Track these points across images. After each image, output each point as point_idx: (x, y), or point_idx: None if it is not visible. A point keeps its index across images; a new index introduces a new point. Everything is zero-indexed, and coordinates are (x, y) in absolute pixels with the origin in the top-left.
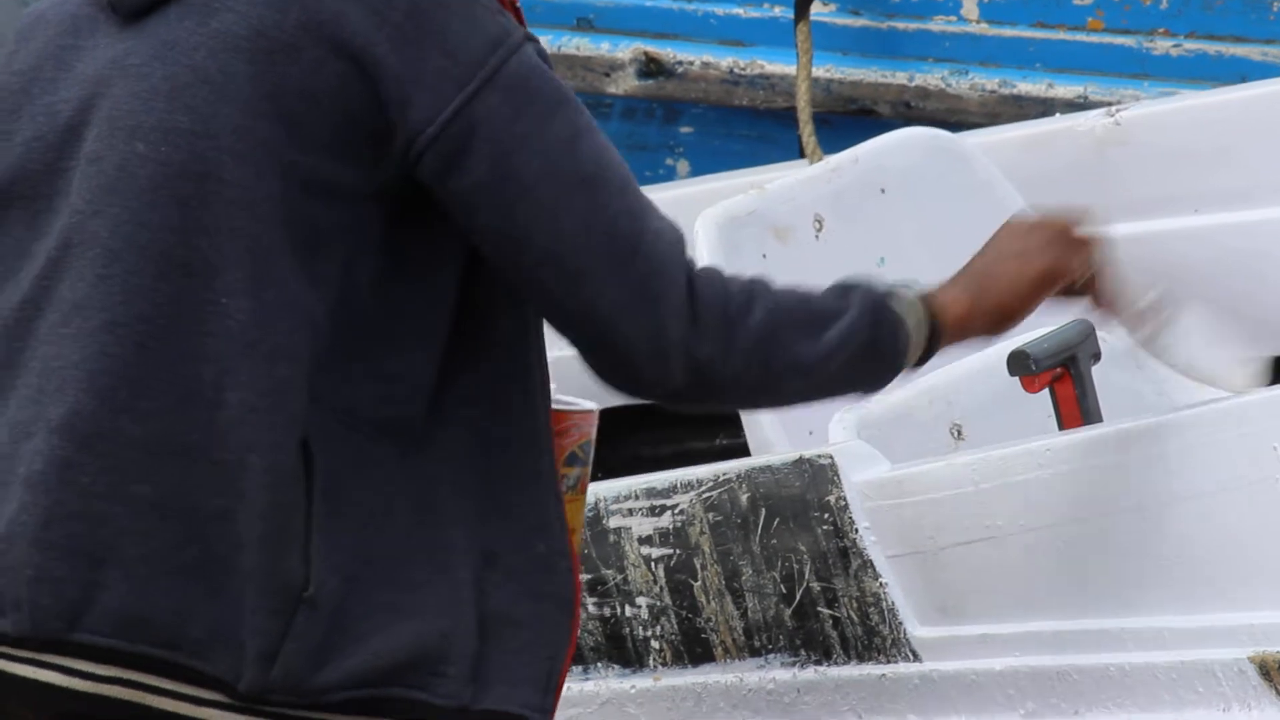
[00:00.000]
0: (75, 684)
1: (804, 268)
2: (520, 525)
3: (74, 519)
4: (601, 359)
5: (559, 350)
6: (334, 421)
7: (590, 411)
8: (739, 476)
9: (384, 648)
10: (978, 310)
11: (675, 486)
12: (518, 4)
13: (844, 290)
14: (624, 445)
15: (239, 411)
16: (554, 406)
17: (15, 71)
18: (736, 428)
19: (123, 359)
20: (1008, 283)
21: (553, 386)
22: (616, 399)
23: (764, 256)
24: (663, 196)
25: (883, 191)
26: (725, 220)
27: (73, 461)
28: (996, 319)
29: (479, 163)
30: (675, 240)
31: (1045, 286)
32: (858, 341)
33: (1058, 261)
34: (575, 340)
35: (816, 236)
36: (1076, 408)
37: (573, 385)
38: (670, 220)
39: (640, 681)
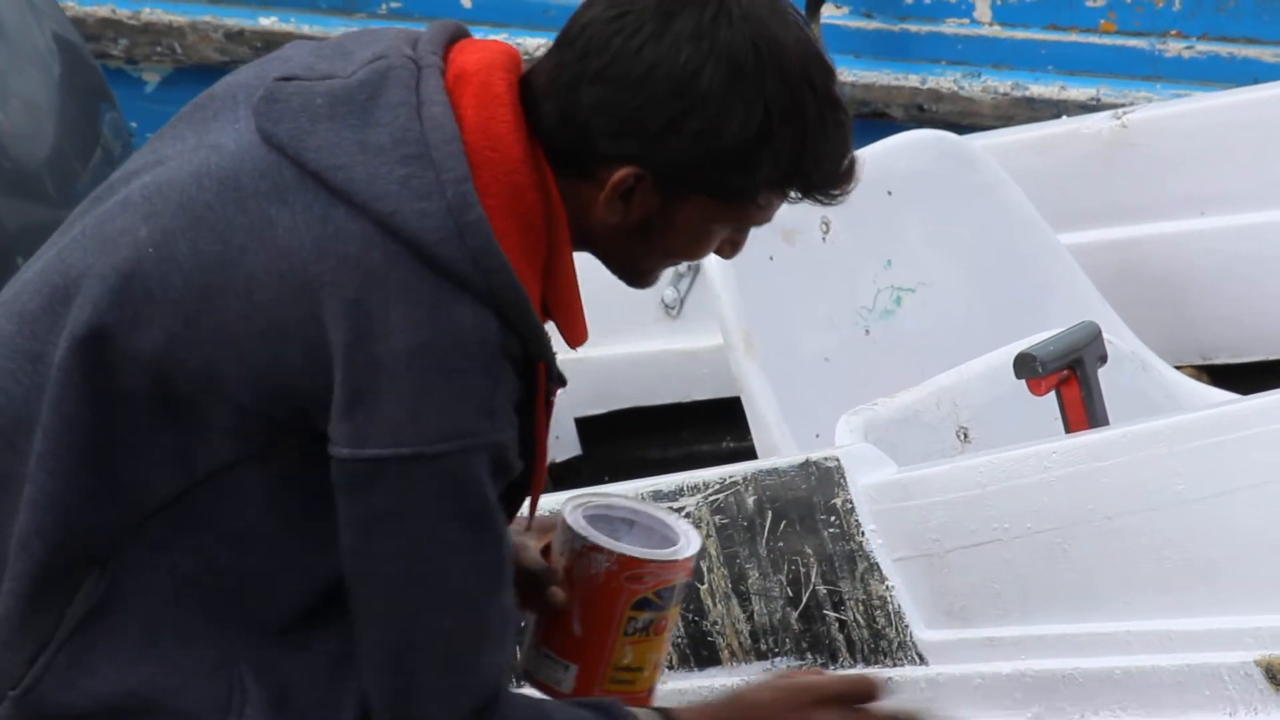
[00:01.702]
0: None
1: (811, 270)
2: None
3: None
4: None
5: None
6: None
7: (672, 562)
8: (745, 479)
9: None
10: None
11: (682, 489)
12: (549, 369)
13: None
14: (630, 448)
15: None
16: (627, 552)
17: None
18: (743, 430)
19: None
20: None
21: (663, 515)
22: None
23: (771, 259)
24: None
25: (890, 194)
26: None
27: None
28: None
29: (365, 507)
30: (476, 696)
31: None
32: None
33: None
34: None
35: (824, 239)
36: (1083, 410)
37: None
38: (495, 686)
39: None
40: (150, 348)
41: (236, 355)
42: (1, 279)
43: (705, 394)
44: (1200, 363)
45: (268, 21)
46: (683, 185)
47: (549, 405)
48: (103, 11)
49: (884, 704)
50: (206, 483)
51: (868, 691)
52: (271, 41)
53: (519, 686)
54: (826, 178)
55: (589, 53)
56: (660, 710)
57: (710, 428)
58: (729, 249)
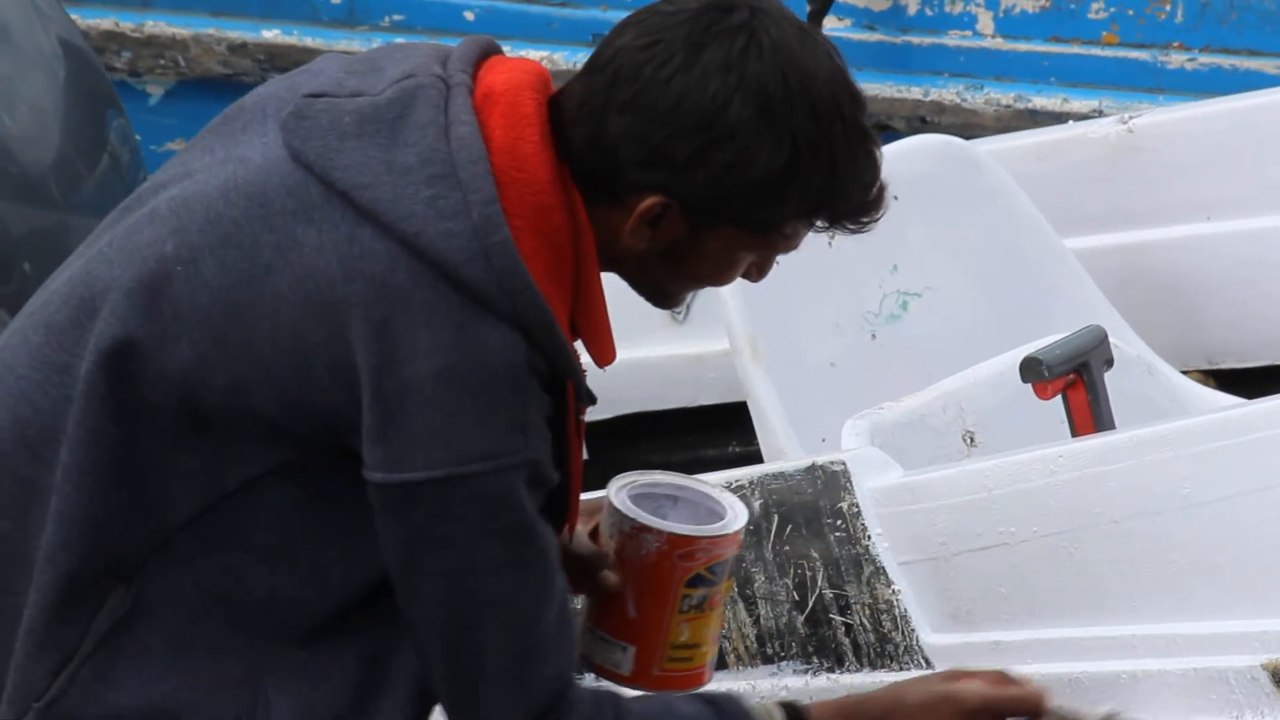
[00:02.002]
0: None
1: (817, 275)
2: None
3: None
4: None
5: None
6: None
7: (722, 536)
8: (752, 483)
9: None
10: None
11: None
12: (578, 384)
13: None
14: (636, 452)
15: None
16: (677, 530)
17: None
18: (749, 436)
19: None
20: None
21: (707, 489)
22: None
23: (776, 264)
24: None
25: (895, 198)
26: None
27: None
28: None
29: (406, 529)
30: (535, 704)
31: None
32: None
33: None
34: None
35: (829, 243)
36: (1089, 414)
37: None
38: (555, 693)
39: None
40: (177, 365)
41: (264, 373)
42: (7, 284)
43: (711, 399)
44: (1206, 367)
45: (270, 34)
46: (710, 215)
47: (580, 424)
48: (106, 24)
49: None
50: (235, 496)
51: (1023, 706)
52: (275, 54)
53: (580, 675)
54: (854, 208)
55: (619, 81)
56: (787, 705)
57: (716, 432)
58: (755, 273)
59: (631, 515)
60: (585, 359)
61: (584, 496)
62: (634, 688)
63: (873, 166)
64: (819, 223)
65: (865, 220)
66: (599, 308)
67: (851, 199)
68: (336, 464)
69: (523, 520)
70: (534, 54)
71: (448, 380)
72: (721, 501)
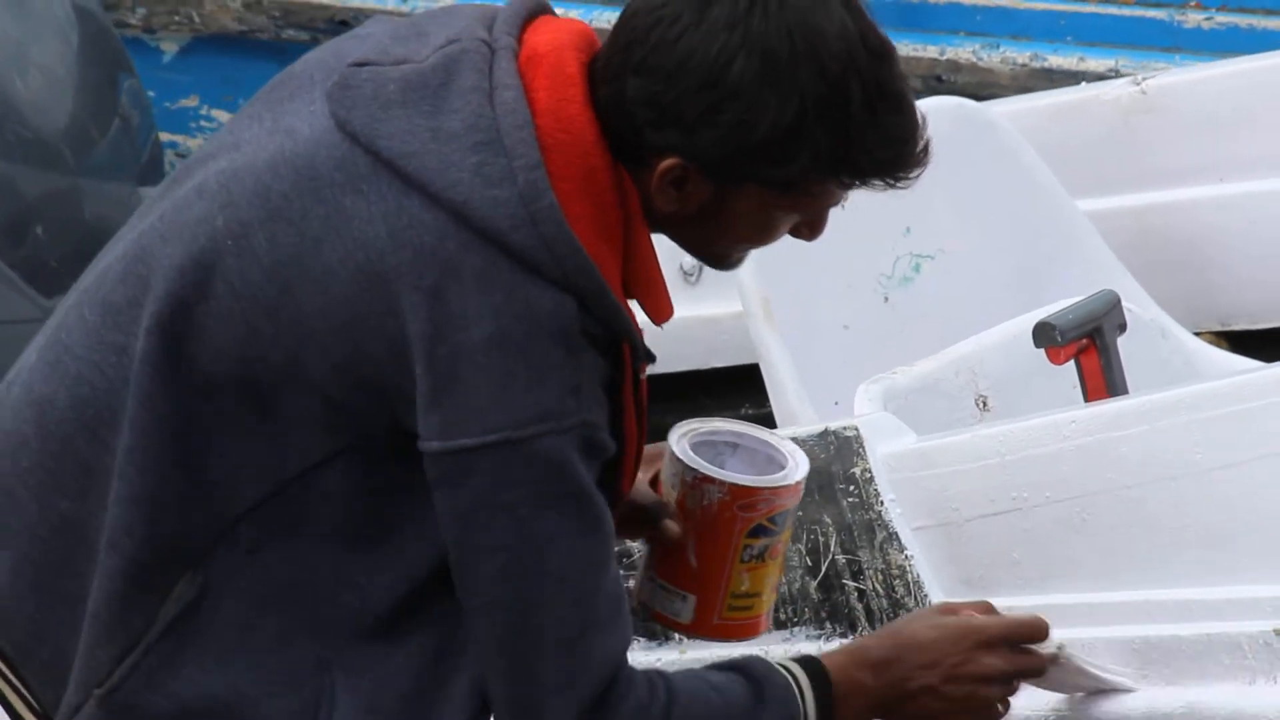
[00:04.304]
0: None
1: (830, 237)
2: None
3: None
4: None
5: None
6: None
7: (784, 487)
8: None
9: None
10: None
11: None
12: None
13: (755, 695)
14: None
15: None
16: (739, 481)
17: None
18: (762, 398)
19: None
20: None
21: (766, 436)
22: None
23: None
24: None
25: None
26: None
27: (29, 440)
28: None
29: (463, 499)
30: (594, 681)
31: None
32: None
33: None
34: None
35: (842, 206)
36: (1102, 379)
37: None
38: (613, 668)
39: (666, 654)
40: (233, 343)
41: (318, 349)
42: (20, 248)
43: (724, 361)
44: (1219, 329)
45: None
46: (729, 176)
47: (638, 382)
48: None
49: (1049, 644)
50: (297, 481)
51: (1033, 633)
52: (289, 10)
53: (640, 620)
54: (880, 165)
55: (633, 42)
56: (804, 660)
57: (729, 395)
58: (806, 231)
59: (694, 465)
60: (641, 316)
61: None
62: (693, 636)
63: (900, 122)
64: (845, 180)
65: (899, 177)
66: (651, 265)
67: (875, 156)
68: (396, 447)
69: (579, 486)
70: (576, 13)
71: (500, 345)
72: (782, 450)
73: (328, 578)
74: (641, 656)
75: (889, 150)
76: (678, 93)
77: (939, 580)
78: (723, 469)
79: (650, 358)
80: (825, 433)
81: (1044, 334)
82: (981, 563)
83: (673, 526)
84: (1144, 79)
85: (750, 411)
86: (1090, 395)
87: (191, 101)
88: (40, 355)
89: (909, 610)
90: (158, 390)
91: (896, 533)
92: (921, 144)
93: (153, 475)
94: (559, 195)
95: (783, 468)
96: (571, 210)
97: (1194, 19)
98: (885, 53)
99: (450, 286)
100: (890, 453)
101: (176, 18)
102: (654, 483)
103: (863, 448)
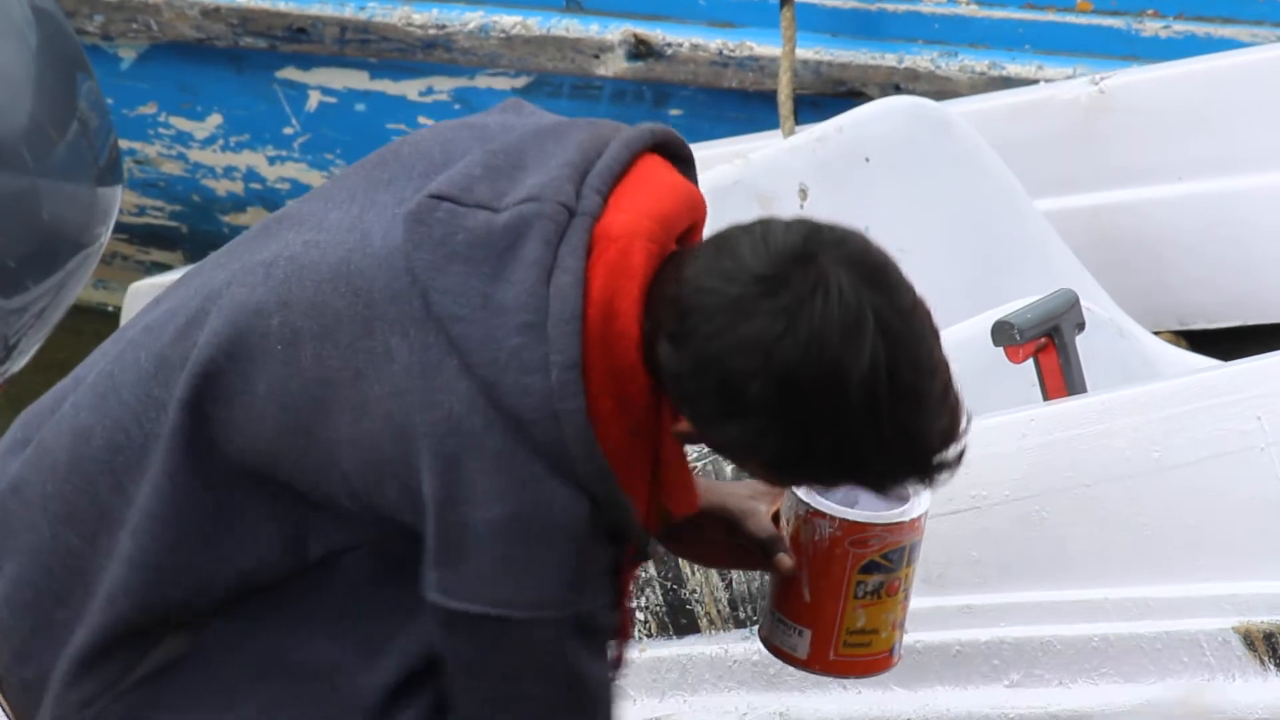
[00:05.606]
0: None
1: None
2: None
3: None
4: None
5: None
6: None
7: (898, 524)
8: None
9: None
10: None
11: None
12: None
13: None
14: None
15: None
16: (849, 516)
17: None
18: None
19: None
20: None
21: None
22: None
23: None
24: None
25: (867, 160)
26: (709, 190)
27: (59, 466)
28: None
29: (460, 647)
30: None
31: None
32: None
33: None
34: None
35: (801, 206)
36: (1061, 378)
37: None
38: None
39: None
40: (262, 441)
41: (341, 474)
42: None
43: None
44: (1178, 328)
45: None
46: (737, 461)
47: (630, 574)
48: None
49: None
50: (316, 566)
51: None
52: (248, 18)
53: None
54: (883, 481)
55: (675, 310)
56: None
57: None
58: None
59: (806, 499)
60: None
61: None
62: (811, 671)
63: (914, 455)
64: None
65: (924, 482)
66: (680, 467)
67: (885, 477)
68: (412, 544)
69: (568, 664)
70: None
71: (505, 530)
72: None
73: (326, 656)
74: None
75: (900, 476)
76: (697, 387)
77: None
78: (854, 505)
79: (646, 557)
80: None
81: (1003, 333)
82: (940, 561)
83: (787, 560)
84: (1102, 78)
85: None
86: (1049, 394)
87: (150, 109)
88: (95, 381)
89: None
90: (186, 464)
91: None
92: (950, 458)
93: (166, 546)
94: (590, 391)
95: (904, 503)
96: (600, 407)
97: (1152, 27)
98: (915, 393)
99: (468, 461)
100: None
101: (134, 25)
102: (775, 517)
103: None
